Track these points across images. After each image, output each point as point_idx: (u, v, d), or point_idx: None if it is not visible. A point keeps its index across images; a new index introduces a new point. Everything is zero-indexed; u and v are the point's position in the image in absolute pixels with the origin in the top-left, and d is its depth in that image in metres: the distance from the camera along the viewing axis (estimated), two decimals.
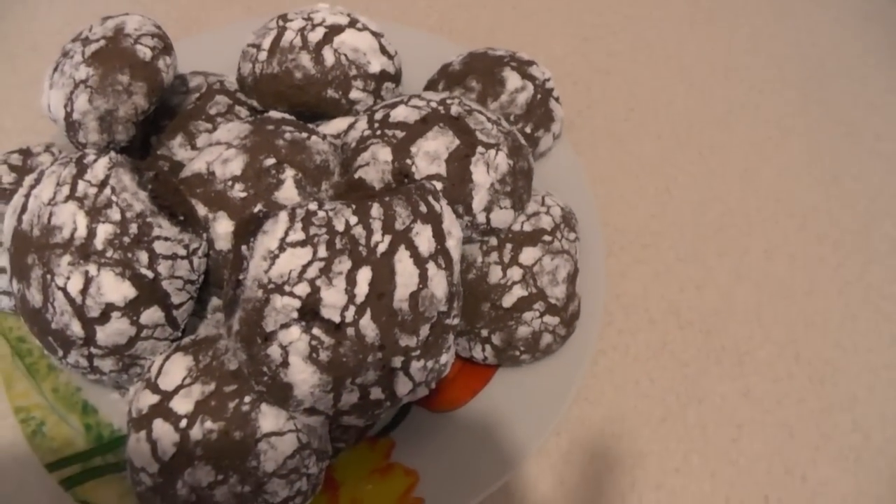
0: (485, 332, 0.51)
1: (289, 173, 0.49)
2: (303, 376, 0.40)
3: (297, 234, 0.40)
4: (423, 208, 0.43)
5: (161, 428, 0.42)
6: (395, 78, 0.59)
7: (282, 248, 0.40)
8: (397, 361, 0.41)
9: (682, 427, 0.57)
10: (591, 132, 0.71)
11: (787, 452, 0.57)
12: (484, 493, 0.48)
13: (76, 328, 0.42)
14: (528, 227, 0.51)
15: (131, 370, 0.46)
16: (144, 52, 0.52)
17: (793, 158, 0.72)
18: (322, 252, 0.40)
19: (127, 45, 0.51)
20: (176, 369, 0.44)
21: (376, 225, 0.41)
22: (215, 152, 0.50)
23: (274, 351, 0.40)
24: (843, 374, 0.61)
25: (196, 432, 0.41)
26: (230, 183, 0.48)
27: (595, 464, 0.54)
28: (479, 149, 0.49)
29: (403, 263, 0.41)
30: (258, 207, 0.48)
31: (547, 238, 0.51)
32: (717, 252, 0.65)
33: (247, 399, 0.43)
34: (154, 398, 0.43)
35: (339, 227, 0.41)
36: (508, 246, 0.51)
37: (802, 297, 0.64)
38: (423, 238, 0.42)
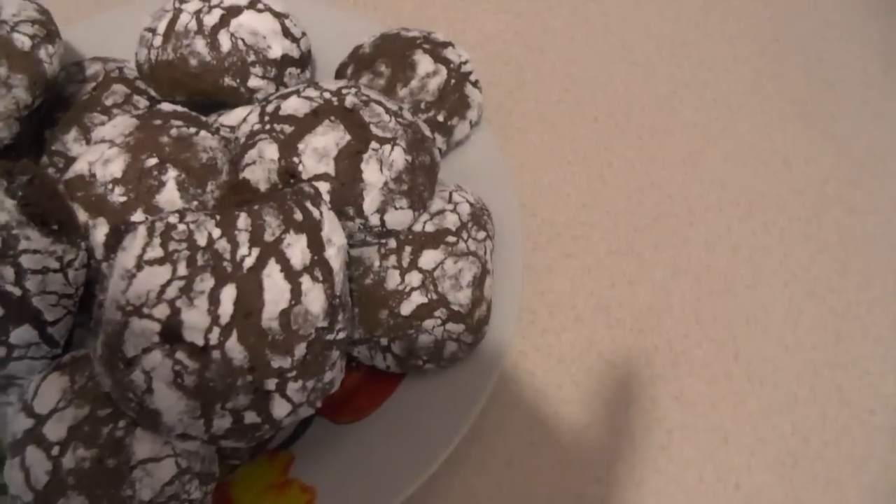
0: (384, 341, 0.49)
1: (171, 174, 0.47)
2: (169, 402, 0.38)
3: (156, 251, 0.39)
4: (299, 216, 0.41)
5: (33, 455, 0.40)
6: (301, 62, 0.57)
7: (139, 267, 0.38)
8: (271, 384, 0.39)
9: (607, 434, 0.55)
10: (521, 115, 0.69)
11: (721, 459, 0.55)
12: None
13: None
14: (430, 228, 0.50)
15: (9, 390, 0.45)
16: (23, 40, 0.49)
17: (741, 141, 0.70)
18: (182, 270, 0.38)
19: (2, 34, 0.49)
20: (51, 391, 0.42)
21: (243, 237, 0.40)
22: (98, 151, 0.48)
23: (137, 377, 0.38)
24: (783, 374, 0.60)
25: (69, 460, 0.40)
26: (110, 186, 0.46)
27: (511, 473, 0.53)
28: (373, 144, 0.47)
29: (273, 278, 0.39)
30: (138, 212, 0.46)
31: (451, 239, 0.49)
32: (654, 244, 0.63)
33: (121, 424, 0.41)
34: (28, 422, 0.42)
35: (202, 241, 0.39)
36: (407, 249, 0.49)
37: (744, 291, 0.62)
38: (296, 249, 0.40)
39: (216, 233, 0.39)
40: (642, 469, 0.54)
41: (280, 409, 0.40)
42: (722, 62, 0.75)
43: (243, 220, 0.40)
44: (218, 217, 0.40)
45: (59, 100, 0.56)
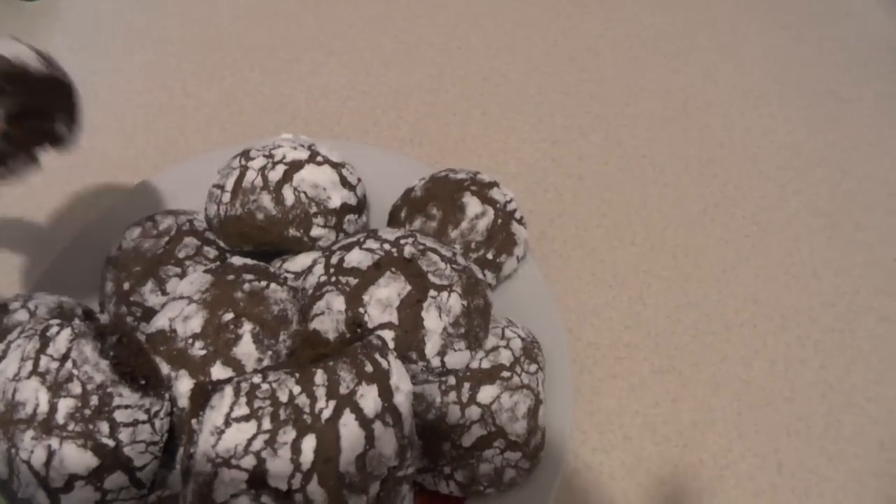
0: (447, 470, 0.53)
1: (246, 328, 0.51)
2: None
3: (242, 409, 0.43)
4: (369, 367, 0.45)
5: None
6: (358, 209, 0.61)
7: (227, 424, 0.43)
8: None
9: None
10: (562, 242, 0.72)
11: None
12: None
13: (42, 499, 0.45)
14: (486, 364, 0.53)
15: None
16: None
17: (771, 255, 0.73)
18: (266, 424, 0.42)
19: None
20: None
21: (320, 392, 0.44)
22: (177, 308, 0.53)
23: None
24: (828, 484, 0.61)
25: None
26: (190, 340, 0.51)
27: None
28: (431, 292, 0.51)
29: (349, 427, 0.43)
30: (217, 364, 0.50)
31: (506, 374, 0.53)
32: (694, 361, 0.66)
33: None
34: None
35: (283, 398, 0.43)
36: (466, 385, 0.52)
37: (783, 403, 0.64)
38: (369, 399, 0.44)
39: (296, 389, 0.43)
40: None
41: None
42: (748, 179, 0.79)
43: (320, 377, 0.44)
44: (297, 375, 0.44)
45: (136, 253, 0.59)
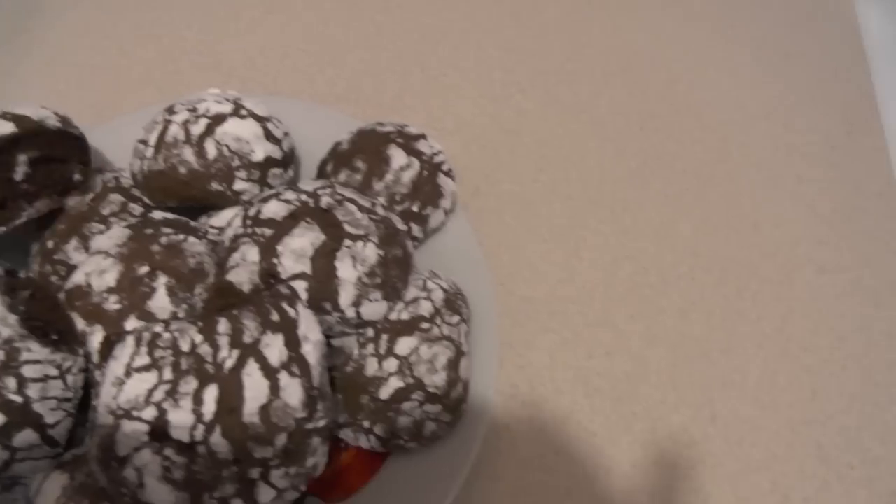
0: (367, 424, 0.53)
1: (161, 281, 0.51)
2: (160, 496, 0.42)
3: (143, 359, 0.43)
4: (275, 316, 0.45)
5: None
6: (283, 163, 0.60)
7: (128, 374, 0.43)
8: (255, 473, 0.42)
9: (588, 499, 0.58)
10: (497, 197, 0.73)
11: None
12: None
13: None
14: (405, 316, 0.53)
15: (15, 489, 0.49)
16: None
17: (711, 209, 0.74)
18: (168, 375, 0.42)
19: None
20: (52, 488, 0.46)
21: (223, 341, 0.44)
22: (94, 262, 0.52)
23: (129, 473, 0.42)
24: (761, 433, 0.62)
25: None
26: (105, 295, 0.50)
27: None
28: (346, 242, 0.51)
29: (252, 377, 0.43)
30: (132, 318, 0.50)
31: (425, 325, 0.53)
32: (630, 314, 0.67)
33: None
34: None
35: (185, 347, 0.43)
36: (384, 337, 0.52)
37: (719, 355, 0.65)
38: (274, 348, 0.44)
39: (199, 338, 0.43)
40: None
41: (265, 495, 0.43)
42: (689, 134, 0.79)
43: (224, 325, 0.44)
44: (200, 324, 0.44)
45: (62, 211, 0.59)
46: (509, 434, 0.60)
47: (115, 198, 0.60)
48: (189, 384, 0.42)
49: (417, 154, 0.61)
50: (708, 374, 0.64)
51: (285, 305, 0.46)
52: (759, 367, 0.65)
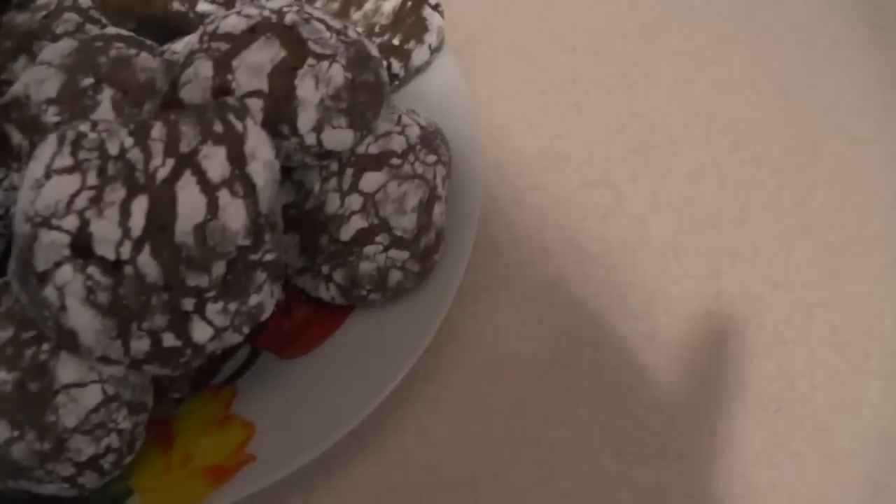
0: (326, 269, 0.50)
1: (107, 93, 0.48)
2: (83, 321, 0.39)
3: (65, 160, 0.40)
4: (219, 128, 0.42)
5: None
6: None
7: (48, 176, 0.39)
8: (188, 304, 0.40)
9: (572, 374, 0.55)
10: (493, 45, 0.69)
11: (696, 402, 0.55)
12: (323, 446, 0.47)
13: None
14: (374, 150, 0.50)
15: None
16: None
17: (733, 69, 0.70)
18: (92, 179, 0.39)
19: None
20: None
21: (157, 147, 0.40)
22: (35, 73, 0.49)
23: (50, 293, 0.39)
24: (770, 314, 0.59)
25: None
26: (44, 106, 0.48)
27: (466, 413, 0.53)
28: (310, 60, 0.47)
29: (188, 191, 0.40)
30: None
31: (395, 161, 0.50)
32: (632, 175, 0.63)
33: (45, 347, 0.42)
34: None
35: (113, 150, 0.40)
36: (349, 171, 0.50)
37: (730, 225, 0.62)
38: (215, 162, 0.40)
39: (129, 142, 0.40)
40: (609, 411, 0.54)
41: (201, 332, 0.40)
42: None
43: (158, 130, 0.40)
44: (132, 126, 0.40)
45: (9, 28, 0.56)
46: (488, 297, 0.57)
47: (71, 17, 0.57)
48: (116, 192, 0.38)
49: None
50: (716, 244, 0.61)
51: (231, 117, 0.42)
52: (775, 241, 0.61)
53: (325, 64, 0.47)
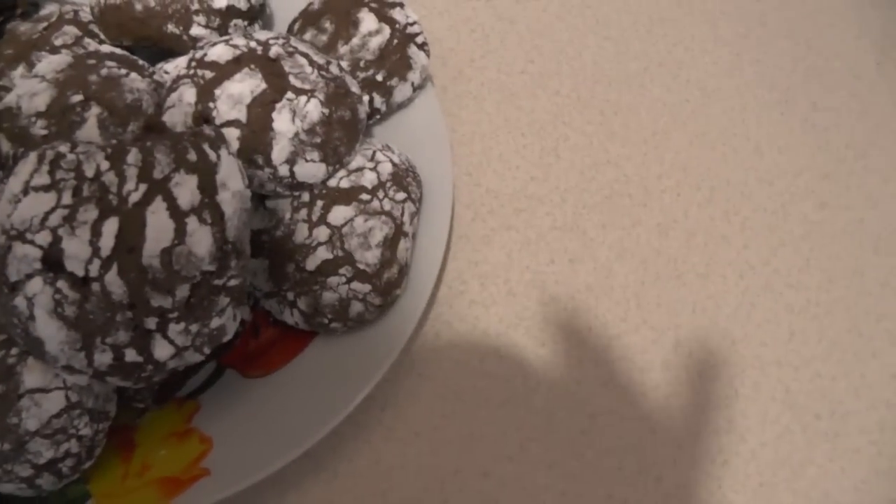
0: (290, 296, 0.52)
1: (94, 111, 0.50)
2: (50, 331, 0.41)
3: (43, 178, 0.42)
4: (192, 157, 0.44)
5: None
6: (248, 15, 0.60)
7: (25, 192, 0.42)
8: (151, 322, 0.42)
9: (525, 412, 0.57)
10: (479, 84, 0.71)
11: (644, 449, 0.57)
12: (276, 465, 0.49)
13: None
14: (345, 184, 0.52)
15: None
16: None
17: (711, 125, 0.72)
18: (67, 199, 0.41)
19: None
20: None
21: (131, 172, 0.42)
22: (28, 85, 0.52)
23: (20, 302, 0.41)
24: (726, 368, 0.61)
25: None
26: (34, 119, 0.50)
27: (419, 444, 0.55)
28: (289, 94, 0.50)
29: (157, 216, 0.42)
30: None
31: (365, 197, 0.52)
32: (602, 223, 0.65)
33: (14, 351, 0.45)
34: None
35: (89, 172, 0.42)
36: (319, 203, 0.52)
37: (695, 278, 0.64)
38: (185, 189, 0.43)
39: (105, 165, 0.42)
40: (558, 452, 0.56)
41: (162, 350, 0.43)
42: (701, 42, 0.77)
43: (133, 156, 0.43)
44: (108, 150, 0.43)
45: (11, 36, 0.59)
46: (450, 332, 0.59)
47: (71, 30, 0.60)
48: (89, 213, 0.41)
49: (390, 21, 0.60)
50: (678, 297, 0.63)
51: (206, 147, 0.44)
52: (737, 298, 0.63)
53: (303, 98, 0.50)
